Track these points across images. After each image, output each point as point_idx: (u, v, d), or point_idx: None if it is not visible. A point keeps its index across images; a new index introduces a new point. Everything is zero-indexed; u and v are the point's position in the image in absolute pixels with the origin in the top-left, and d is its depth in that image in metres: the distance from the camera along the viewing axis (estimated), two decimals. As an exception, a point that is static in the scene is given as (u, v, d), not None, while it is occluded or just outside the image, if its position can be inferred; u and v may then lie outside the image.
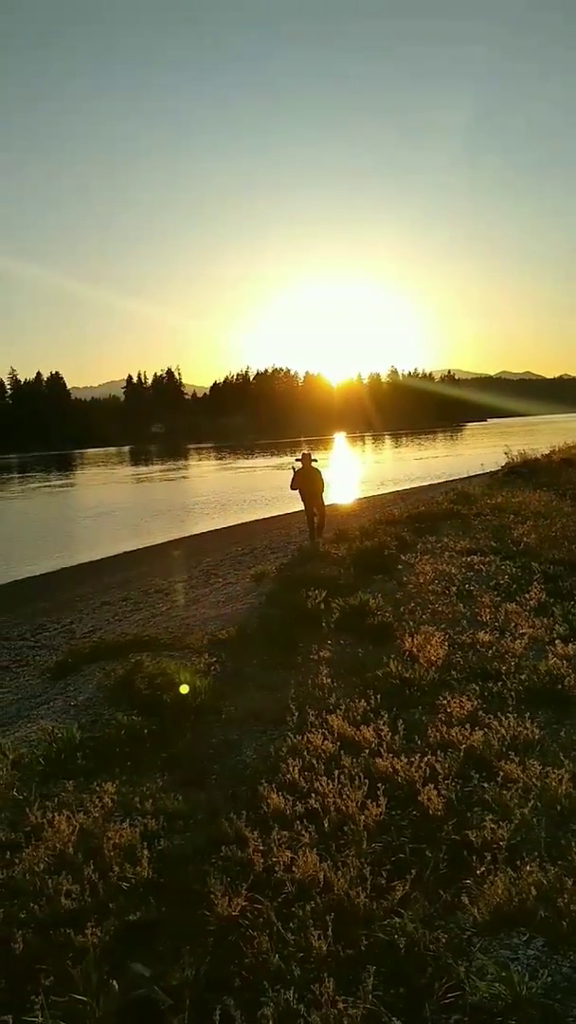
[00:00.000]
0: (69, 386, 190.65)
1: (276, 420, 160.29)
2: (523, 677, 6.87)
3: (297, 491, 17.23)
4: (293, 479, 17.11)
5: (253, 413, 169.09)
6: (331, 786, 5.04)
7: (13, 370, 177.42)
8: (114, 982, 3.38)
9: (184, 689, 7.34)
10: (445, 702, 6.38)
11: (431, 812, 4.67)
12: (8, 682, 9.99)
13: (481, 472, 30.74)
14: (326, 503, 18.08)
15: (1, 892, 4.32)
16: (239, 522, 28.63)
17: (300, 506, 17.91)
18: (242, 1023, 3.11)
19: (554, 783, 4.80)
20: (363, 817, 4.60)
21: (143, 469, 76.00)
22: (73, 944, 3.72)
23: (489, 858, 4.10)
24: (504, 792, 4.77)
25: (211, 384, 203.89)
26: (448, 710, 6.23)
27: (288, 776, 5.30)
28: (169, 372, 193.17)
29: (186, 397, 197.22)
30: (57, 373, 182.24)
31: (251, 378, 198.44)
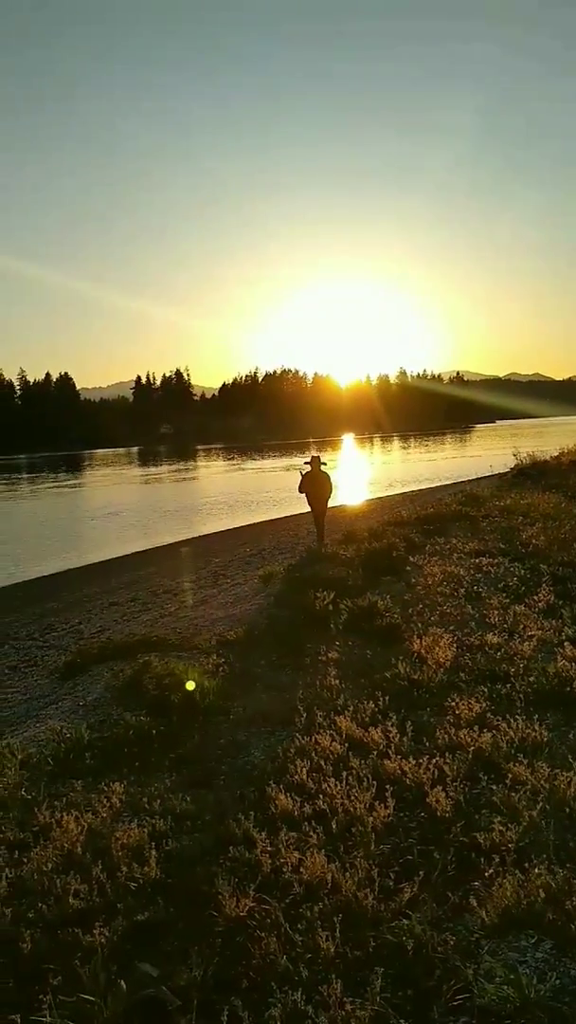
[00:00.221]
0: (78, 387, 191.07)
1: (285, 421, 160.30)
2: (532, 679, 6.85)
3: (305, 494, 17.17)
4: (301, 482, 17.06)
5: (262, 414, 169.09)
6: (339, 787, 5.03)
7: (22, 371, 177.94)
8: (122, 982, 3.38)
9: (191, 686, 7.34)
10: (454, 704, 6.36)
11: (439, 814, 4.66)
12: (17, 682, 10.02)
13: (490, 474, 30.67)
14: (335, 504, 18.03)
15: (10, 891, 4.33)
16: (247, 523, 28.64)
17: (308, 507, 17.84)
18: (250, 1024, 3.11)
19: (563, 785, 4.78)
20: (371, 819, 4.60)
21: (152, 470, 76.10)
22: (81, 944, 3.73)
23: (497, 860, 4.09)
24: (512, 794, 4.75)
25: (220, 385, 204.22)
26: (456, 712, 6.21)
27: (296, 777, 5.30)
28: (178, 373, 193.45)
29: (195, 398, 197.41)
30: (66, 374, 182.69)
31: (260, 379, 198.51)
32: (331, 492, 17.26)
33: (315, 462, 16.97)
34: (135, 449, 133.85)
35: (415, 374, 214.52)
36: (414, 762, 5.29)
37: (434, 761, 5.26)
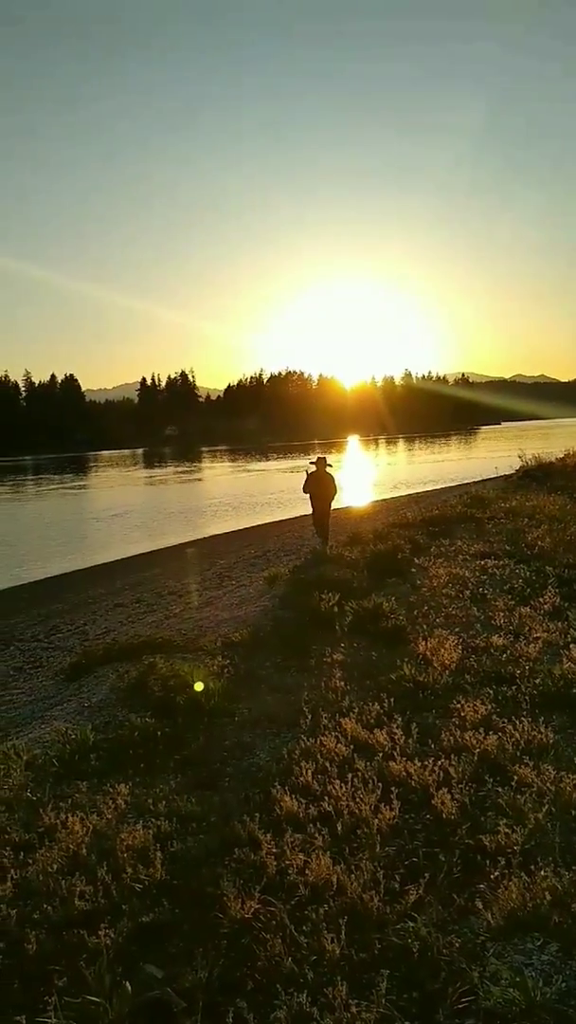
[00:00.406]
0: (83, 388, 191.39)
1: (290, 423, 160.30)
2: (537, 681, 6.84)
3: (309, 495, 17.14)
4: (306, 482, 17.04)
5: (267, 416, 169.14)
6: (344, 789, 5.03)
7: (28, 372, 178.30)
8: (127, 984, 3.38)
9: (199, 686, 7.35)
10: (459, 706, 6.36)
11: (445, 816, 4.66)
12: (22, 683, 10.04)
13: (495, 476, 30.65)
14: (340, 506, 17.96)
15: (15, 893, 4.33)
16: (252, 525, 28.65)
17: (311, 509, 17.76)
18: (255, 1026, 3.11)
19: (568, 788, 4.78)
20: (377, 821, 4.59)
21: (157, 471, 76.18)
22: (86, 945, 3.73)
23: (503, 863, 4.08)
24: (518, 797, 4.75)
25: (225, 386, 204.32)
26: (462, 714, 6.21)
27: (301, 779, 5.29)
28: (183, 374, 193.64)
29: (200, 399, 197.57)
30: (71, 375, 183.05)
31: (265, 381, 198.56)
32: (336, 493, 17.21)
33: (320, 463, 16.96)
34: (140, 451, 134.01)
35: (420, 376, 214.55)
36: (419, 764, 5.29)
37: (439, 763, 5.25)
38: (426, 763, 5.28)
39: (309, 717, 6.50)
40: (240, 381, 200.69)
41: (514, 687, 6.80)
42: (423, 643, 8.14)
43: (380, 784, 5.04)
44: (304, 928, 3.72)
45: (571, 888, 3.76)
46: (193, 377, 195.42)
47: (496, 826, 4.42)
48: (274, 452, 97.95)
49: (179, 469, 76.74)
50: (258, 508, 35.40)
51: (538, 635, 8.28)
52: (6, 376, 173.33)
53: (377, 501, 31.65)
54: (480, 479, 33.49)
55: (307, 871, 4.16)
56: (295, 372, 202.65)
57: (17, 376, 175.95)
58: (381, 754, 5.60)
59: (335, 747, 5.75)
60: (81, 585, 18.58)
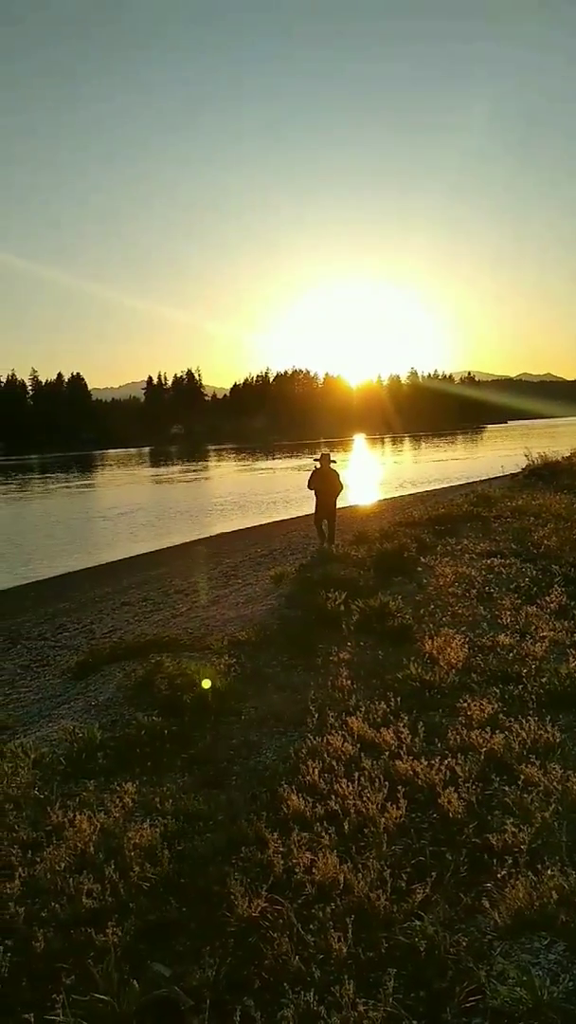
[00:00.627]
0: (90, 387, 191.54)
1: (296, 421, 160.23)
2: (544, 680, 6.83)
3: (314, 491, 17.10)
4: (310, 479, 17.02)
5: (273, 414, 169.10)
6: (351, 788, 5.03)
7: (34, 371, 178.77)
8: (135, 982, 3.39)
9: (206, 684, 7.36)
10: (465, 705, 6.36)
11: (451, 815, 4.66)
12: (29, 682, 10.06)
13: (501, 474, 30.58)
14: (346, 504, 17.92)
15: (23, 891, 4.35)
16: (258, 523, 28.66)
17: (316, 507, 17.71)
18: (262, 1024, 3.12)
19: (575, 787, 4.77)
20: (383, 820, 4.60)
21: (163, 470, 76.24)
22: (94, 943, 3.74)
23: (510, 862, 4.08)
24: (525, 796, 4.74)
25: (231, 385, 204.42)
26: (468, 713, 6.21)
27: (308, 778, 5.30)
28: (189, 373, 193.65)
29: (206, 398, 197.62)
30: (78, 374, 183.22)
31: (271, 379, 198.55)
32: (341, 490, 17.16)
33: (325, 459, 16.94)
34: (146, 449, 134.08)
35: (426, 374, 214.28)
36: (426, 763, 5.29)
37: (446, 762, 5.26)
38: (433, 762, 5.28)
39: (316, 716, 6.52)
40: (246, 380, 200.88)
41: (521, 686, 6.80)
42: (429, 642, 8.14)
43: (387, 783, 5.04)
44: (311, 927, 3.73)
45: (578, 887, 3.76)
46: (199, 376, 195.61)
47: (503, 825, 4.43)
48: (280, 451, 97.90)
49: (185, 468, 76.77)
50: (264, 507, 35.42)
51: (544, 634, 8.27)
52: (13, 375, 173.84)
53: (383, 500, 31.64)
54: (486, 478, 33.45)
55: (314, 870, 4.17)
56: (301, 371, 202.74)
57: (24, 375, 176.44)
58: (388, 753, 5.61)
59: (342, 746, 5.76)
60: (87, 584, 18.60)
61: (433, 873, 4.04)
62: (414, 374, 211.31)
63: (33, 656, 11.58)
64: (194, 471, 71.33)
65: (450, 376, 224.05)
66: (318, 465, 16.94)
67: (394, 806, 4.70)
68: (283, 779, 5.36)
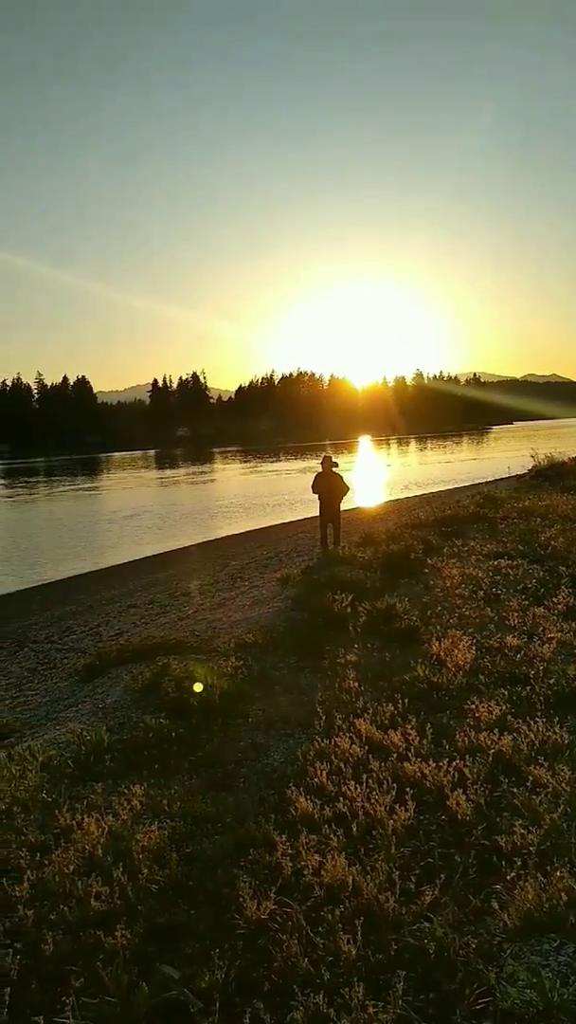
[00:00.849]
0: (95, 390, 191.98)
1: (301, 424, 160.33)
2: (552, 682, 6.82)
3: (318, 495, 17.00)
4: (314, 482, 16.94)
5: (278, 417, 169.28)
6: (359, 790, 5.03)
7: (40, 374, 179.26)
8: (144, 984, 3.39)
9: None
10: (473, 706, 6.35)
11: (460, 817, 4.65)
12: (37, 684, 10.09)
13: (507, 475, 30.56)
14: (352, 506, 17.86)
15: (32, 893, 4.35)
16: (264, 526, 28.68)
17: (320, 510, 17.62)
18: (272, 1027, 3.11)
19: (584, 789, 4.76)
20: (392, 822, 4.59)
21: (168, 473, 76.34)
22: (103, 946, 3.74)
23: (519, 864, 4.07)
24: (533, 797, 4.73)
25: (236, 388, 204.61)
26: (476, 715, 6.20)
27: (316, 780, 5.30)
28: (194, 376, 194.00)
29: (211, 401, 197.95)
30: (83, 377, 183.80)
31: (276, 381, 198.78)
32: (346, 492, 17.03)
33: (327, 462, 16.85)
34: (152, 452, 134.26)
35: (431, 375, 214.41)
36: (434, 765, 5.28)
37: (454, 764, 5.25)
38: (441, 764, 5.27)
39: (323, 718, 6.50)
40: (251, 382, 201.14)
41: (528, 687, 6.79)
42: (437, 644, 8.13)
43: (395, 785, 5.03)
44: (320, 929, 3.72)
45: (588, 889, 3.75)
46: (204, 378, 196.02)
47: (511, 827, 4.41)
48: (286, 453, 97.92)
49: (191, 470, 76.86)
50: (270, 509, 35.44)
51: (552, 635, 8.26)
52: (18, 378, 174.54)
53: (389, 501, 31.66)
54: (492, 479, 33.44)
55: (322, 872, 4.16)
56: (306, 373, 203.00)
57: (29, 378, 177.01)
58: (395, 755, 5.59)
59: (349, 748, 5.75)
60: (94, 587, 18.66)
61: (442, 875, 4.03)
62: (419, 375, 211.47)
63: (40, 659, 11.61)
64: (199, 473, 71.41)
65: (455, 377, 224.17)
66: (320, 469, 16.87)
67: (402, 808, 4.69)
68: (291, 781, 5.35)
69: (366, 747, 5.80)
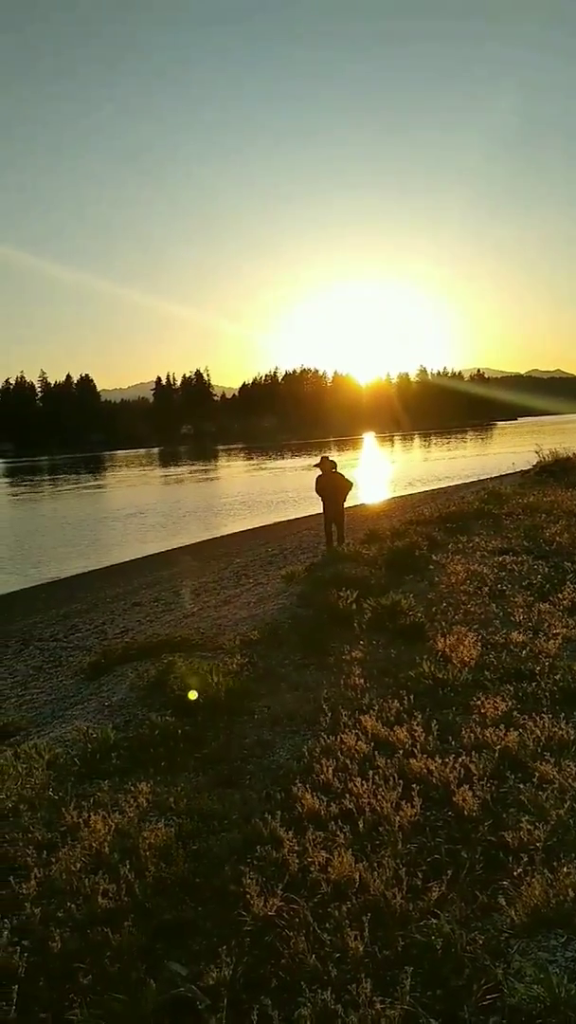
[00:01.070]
0: (98, 388, 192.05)
1: (305, 421, 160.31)
2: (557, 677, 6.81)
3: (321, 495, 16.92)
4: (316, 483, 16.85)
5: (282, 414, 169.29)
6: (365, 787, 5.03)
7: (43, 372, 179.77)
8: (152, 981, 3.40)
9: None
10: (479, 703, 6.34)
11: (466, 813, 4.65)
12: (43, 682, 10.10)
13: (512, 471, 30.52)
14: (356, 503, 17.80)
15: (39, 891, 4.35)
16: (268, 523, 28.69)
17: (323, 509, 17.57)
18: (280, 1023, 3.11)
19: (591, 784, 4.76)
20: (398, 818, 4.59)
21: (172, 470, 76.36)
22: (110, 943, 3.74)
23: (526, 859, 4.07)
24: (540, 793, 4.73)
25: (240, 385, 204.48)
26: (482, 711, 6.19)
27: (322, 777, 5.30)
28: (198, 373, 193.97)
29: (215, 398, 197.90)
30: (87, 375, 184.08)
31: (280, 379, 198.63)
32: (349, 487, 16.88)
33: (325, 462, 16.74)
34: (156, 450, 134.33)
35: (435, 372, 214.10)
36: (440, 761, 5.28)
37: (460, 760, 5.24)
38: (447, 760, 5.27)
39: (329, 714, 6.51)
40: (255, 379, 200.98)
41: (534, 683, 6.78)
42: (442, 640, 8.12)
43: (401, 781, 5.03)
44: (327, 925, 3.72)
45: (595, 885, 3.75)
46: (208, 376, 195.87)
47: (518, 823, 4.41)
48: (290, 450, 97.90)
49: (195, 468, 76.87)
50: (274, 506, 35.44)
51: (557, 631, 8.24)
52: (22, 376, 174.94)
53: (394, 498, 31.63)
54: (497, 475, 33.39)
55: (329, 868, 4.16)
56: (310, 370, 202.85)
57: (33, 377, 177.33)
58: (402, 751, 5.59)
59: (355, 744, 5.75)
60: (99, 584, 18.67)
61: (449, 871, 4.03)
62: (423, 372, 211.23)
63: (46, 657, 11.62)
64: (204, 471, 71.43)
65: (459, 373, 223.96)
66: (319, 471, 16.75)
67: (409, 804, 4.69)
68: (297, 778, 5.35)
69: (372, 743, 5.80)
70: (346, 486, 16.70)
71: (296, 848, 4.41)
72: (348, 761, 5.52)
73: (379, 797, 4.85)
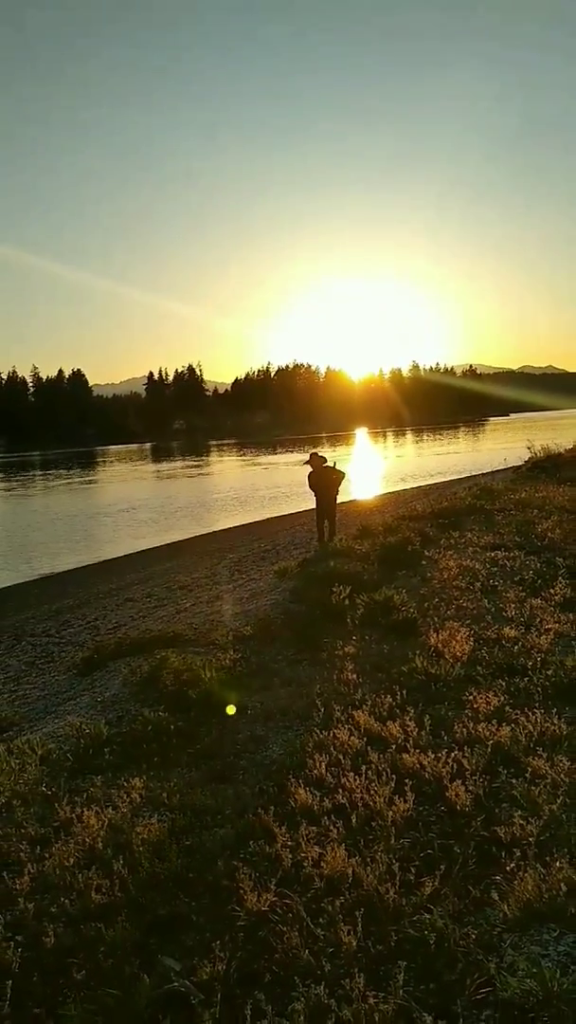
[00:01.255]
0: (91, 383, 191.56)
1: (298, 416, 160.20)
2: (549, 672, 6.83)
3: (314, 490, 16.94)
4: (309, 479, 16.85)
5: (275, 409, 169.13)
6: (358, 782, 5.04)
7: (35, 368, 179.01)
8: (145, 976, 3.40)
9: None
10: (471, 698, 6.36)
11: (459, 808, 4.66)
12: (35, 678, 10.09)
13: (504, 467, 30.59)
14: (349, 498, 17.80)
15: (32, 887, 4.35)
16: (261, 518, 28.67)
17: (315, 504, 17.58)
18: (273, 1018, 3.12)
19: (583, 779, 4.77)
20: (391, 813, 4.60)
21: (165, 466, 76.24)
22: (104, 938, 3.75)
23: (518, 854, 4.08)
24: (532, 788, 4.74)
25: (232, 380, 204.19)
26: (474, 706, 6.21)
27: (315, 772, 5.30)
28: (190, 369, 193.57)
29: (207, 394, 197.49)
30: (79, 370, 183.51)
31: (272, 374, 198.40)
32: (341, 479, 16.86)
33: (314, 458, 16.77)
34: (148, 445, 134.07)
35: (428, 367, 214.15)
36: (433, 756, 5.29)
37: (453, 755, 5.25)
38: (439, 755, 5.28)
39: (322, 710, 6.51)
40: (248, 375, 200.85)
41: (526, 678, 6.79)
42: (434, 635, 8.13)
43: (394, 776, 5.04)
44: (320, 920, 3.73)
45: (587, 879, 3.76)
46: (200, 371, 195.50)
47: (511, 817, 4.42)
48: (283, 445, 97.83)
49: (188, 463, 76.76)
50: (267, 502, 35.43)
51: (549, 626, 8.27)
52: (14, 372, 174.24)
53: (386, 493, 31.65)
54: (489, 471, 33.47)
55: (322, 863, 4.17)
56: (302, 365, 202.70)
57: (25, 372, 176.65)
58: (394, 746, 5.60)
59: (348, 739, 5.76)
60: (91, 580, 18.64)
61: (442, 866, 4.04)
62: (416, 367, 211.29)
63: (38, 652, 11.60)
64: (196, 466, 71.34)
65: (452, 369, 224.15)
66: (309, 468, 16.76)
67: (401, 799, 4.70)
68: (290, 773, 5.35)
69: (365, 738, 5.81)
70: (338, 478, 16.74)
71: (289, 843, 4.41)
72: (341, 756, 5.53)
73: (372, 792, 4.86)
